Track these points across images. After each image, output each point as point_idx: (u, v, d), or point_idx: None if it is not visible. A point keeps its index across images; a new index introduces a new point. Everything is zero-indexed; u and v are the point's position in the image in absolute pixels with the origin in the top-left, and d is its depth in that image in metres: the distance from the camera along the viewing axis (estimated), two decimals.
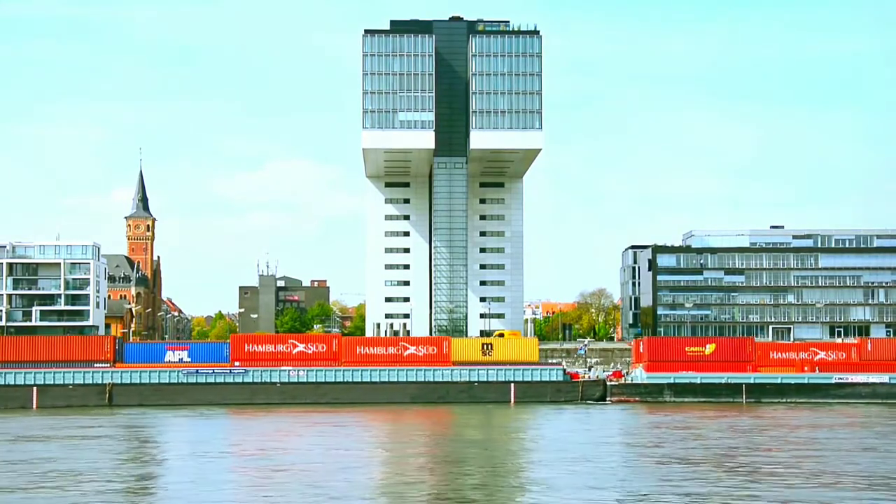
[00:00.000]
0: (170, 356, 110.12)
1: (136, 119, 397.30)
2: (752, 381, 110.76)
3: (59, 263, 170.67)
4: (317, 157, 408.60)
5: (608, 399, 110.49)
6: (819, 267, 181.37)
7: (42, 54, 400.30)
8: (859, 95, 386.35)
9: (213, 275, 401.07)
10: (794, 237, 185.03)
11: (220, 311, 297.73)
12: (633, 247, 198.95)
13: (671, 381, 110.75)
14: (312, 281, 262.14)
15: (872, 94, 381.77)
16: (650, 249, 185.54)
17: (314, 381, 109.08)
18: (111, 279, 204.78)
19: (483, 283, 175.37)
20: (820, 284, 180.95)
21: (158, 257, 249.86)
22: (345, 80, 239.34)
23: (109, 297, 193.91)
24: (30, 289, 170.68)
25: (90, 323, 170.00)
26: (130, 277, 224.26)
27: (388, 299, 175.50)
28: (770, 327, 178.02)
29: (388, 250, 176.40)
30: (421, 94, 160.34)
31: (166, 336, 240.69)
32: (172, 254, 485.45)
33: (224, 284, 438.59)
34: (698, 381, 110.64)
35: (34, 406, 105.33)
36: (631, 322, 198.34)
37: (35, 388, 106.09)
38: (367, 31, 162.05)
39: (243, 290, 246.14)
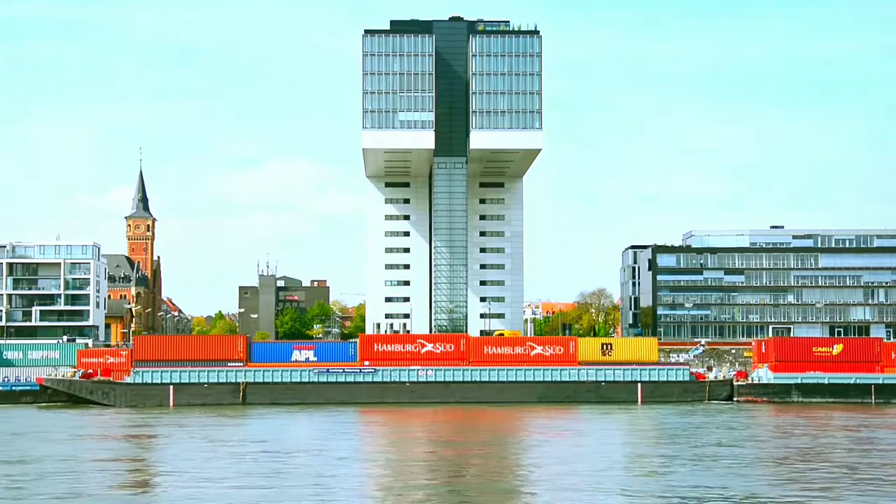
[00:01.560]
0: (296, 355, 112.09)
1: (136, 119, 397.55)
2: (880, 381, 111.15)
3: (59, 263, 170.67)
4: (317, 157, 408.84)
5: (735, 399, 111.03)
6: (819, 267, 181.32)
7: (42, 55, 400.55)
8: (859, 95, 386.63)
9: (213, 275, 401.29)
10: (794, 237, 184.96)
11: (220, 311, 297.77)
12: (633, 247, 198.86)
13: (798, 381, 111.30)
14: (312, 281, 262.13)
15: (872, 95, 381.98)
16: (650, 249, 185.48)
17: (442, 380, 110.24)
18: (111, 279, 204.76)
19: (483, 283, 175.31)
20: (820, 284, 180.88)
21: (158, 257, 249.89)
22: (345, 80, 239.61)
23: (109, 297, 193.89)
24: (30, 289, 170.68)
25: (90, 323, 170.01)
26: (130, 277, 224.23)
27: (388, 299, 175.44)
28: (770, 327, 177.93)
29: (388, 250, 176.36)
30: (421, 94, 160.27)
31: None
32: (172, 254, 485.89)
33: (224, 284, 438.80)
34: (826, 381, 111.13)
35: (171, 404, 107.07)
36: (631, 322, 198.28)
37: (172, 387, 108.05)
38: (367, 31, 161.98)
39: (243, 290, 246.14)
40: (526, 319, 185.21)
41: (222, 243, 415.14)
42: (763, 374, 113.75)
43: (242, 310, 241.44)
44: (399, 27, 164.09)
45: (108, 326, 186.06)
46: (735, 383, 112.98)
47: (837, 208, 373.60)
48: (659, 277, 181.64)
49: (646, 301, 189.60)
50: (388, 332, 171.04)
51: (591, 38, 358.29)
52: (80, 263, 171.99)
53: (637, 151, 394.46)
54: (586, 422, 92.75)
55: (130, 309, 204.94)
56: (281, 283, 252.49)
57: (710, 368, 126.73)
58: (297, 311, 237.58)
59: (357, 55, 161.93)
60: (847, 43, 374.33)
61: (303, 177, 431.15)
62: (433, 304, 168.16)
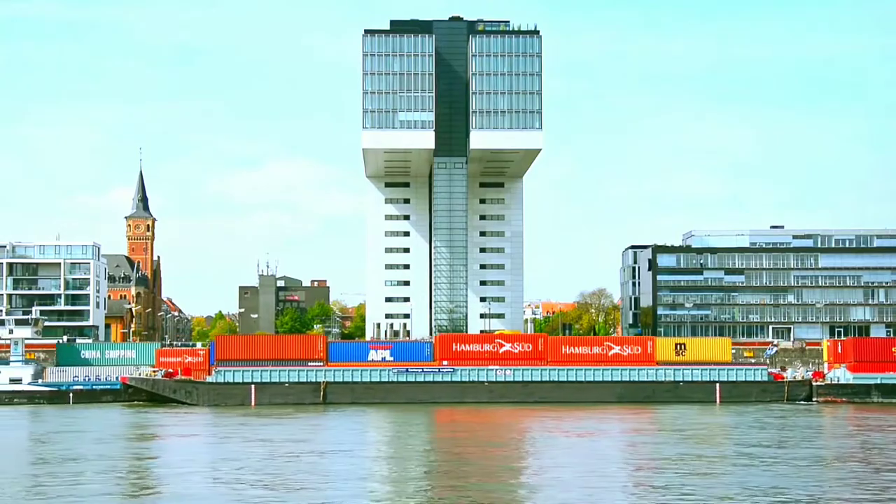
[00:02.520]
0: (373, 355, 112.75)
1: (136, 119, 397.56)
2: None
3: (59, 263, 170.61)
4: (317, 157, 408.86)
5: (814, 399, 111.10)
6: (819, 267, 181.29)
7: (42, 55, 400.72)
8: (859, 95, 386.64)
9: (213, 275, 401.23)
10: (794, 237, 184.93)
11: (220, 311, 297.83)
12: (633, 247, 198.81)
13: (878, 381, 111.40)
14: (312, 281, 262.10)
15: (872, 95, 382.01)
16: (650, 249, 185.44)
17: (521, 380, 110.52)
18: (111, 279, 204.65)
19: (483, 283, 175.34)
20: (820, 284, 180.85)
21: (158, 257, 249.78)
22: (345, 80, 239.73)
23: (109, 297, 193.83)
24: (30, 289, 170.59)
25: (90, 323, 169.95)
26: (130, 277, 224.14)
27: (388, 299, 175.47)
28: (770, 327, 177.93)
29: (388, 250, 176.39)
30: (421, 94, 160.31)
31: (166, 336, 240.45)
32: (172, 254, 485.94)
33: (224, 284, 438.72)
34: None
35: (252, 403, 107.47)
36: (631, 322, 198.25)
37: (253, 386, 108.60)
38: (367, 31, 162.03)
39: (243, 290, 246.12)
40: (526, 319, 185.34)
41: (222, 243, 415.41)
42: (841, 375, 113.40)
43: (242, 310, 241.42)
44: (399, 27, 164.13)
45: (108, 326, 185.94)
46: (813, 384, 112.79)
47: (837, 208, 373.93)
48: (659, 277, 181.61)
49: (646, 301, 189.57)
50: (388, 332, 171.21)
51: (591, 38, 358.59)
52: (80, 263, 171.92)
53: (637, 151, 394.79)
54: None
55: (130, 309, 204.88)
56: (281, 283, 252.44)
57: (783, 368, 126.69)
58: (297, 311, 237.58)
59: (357, 55, 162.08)
60: (847, 43, 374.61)
61: (303, 177, 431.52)
62: (433, 304, 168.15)
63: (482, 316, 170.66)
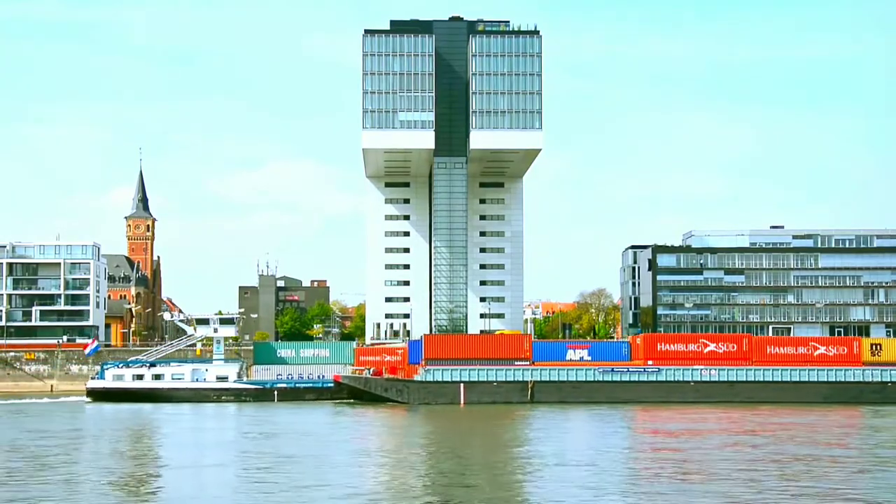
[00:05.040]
0: (570, 355, 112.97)
1: (136, 119, 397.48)
2: None
3: (59, 263, 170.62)
4: (317, 157, 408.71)
5: None
6: (819, 267, 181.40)
7: (42, 55, 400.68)
8: (859, 95, 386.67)
9: (213, 275, 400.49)
10: (794, 237, 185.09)
11: (220, 311, 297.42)
12: (633, 247, 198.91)
13: None
14: (312, 281, 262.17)
15: (872, 95, 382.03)
16: (650, 249, 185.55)
17: (726, 379, 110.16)
18: (111, 279, 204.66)
19: (483, 283, 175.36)
20: (820, 284, 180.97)
21: (158, 257, 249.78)
22: (345, 81, 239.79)
23: (109, 297, 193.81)
24: (30, 289, 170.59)
25: (90, 323, 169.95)
26: (130, 277, 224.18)
27: (388, 299, 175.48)
28: (770, 327, 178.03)
29: (388, 250, 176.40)
30: (421, 94, 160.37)
31: (166, 336, 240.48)
32: (172, 254, 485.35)
33: (224, 284, 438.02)
34: None
35: (462, 402, 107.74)
36: (631, 322, 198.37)
37: (462, 385, 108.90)
38: (367, 31, 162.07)
39: (243, 290, 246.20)
40: (526, 319, 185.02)
41: (222, 243, 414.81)
42: None
43: (242, 310, 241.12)
44: (399, 27, 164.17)
45: (108, 326, 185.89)
46: None
47: (837, 208, 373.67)
48: (659, 277, 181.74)
49: (646, 301, 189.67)
50: (389, 333, 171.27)
51: (591, 38, 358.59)
52: (80, 263, 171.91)
53: (637, 151, 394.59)
54: None
55: (130, 309, 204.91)
56: (281, 283, 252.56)
57: None
58: (297, 311, 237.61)
59: (357, 55, 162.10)
60: (847, 43, 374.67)
61: (303, 177, 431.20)
62: (433, 304, 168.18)
63: (482, 316, 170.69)
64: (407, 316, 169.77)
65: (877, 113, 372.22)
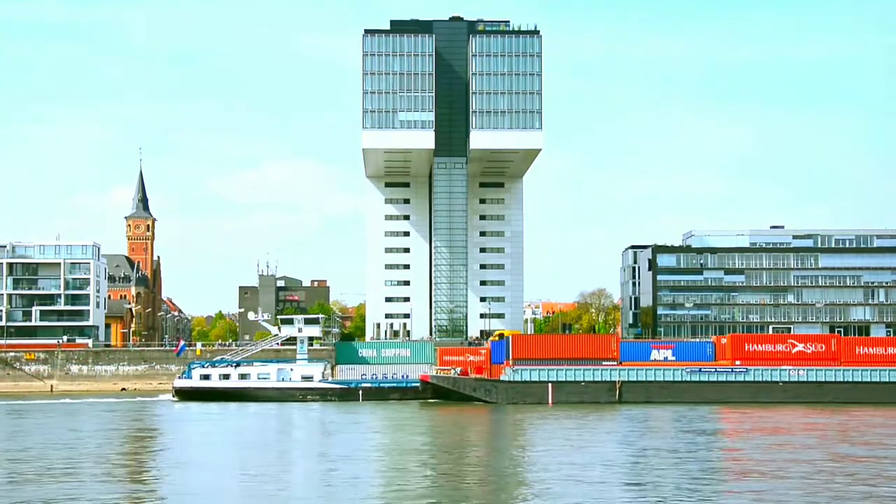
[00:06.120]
0: (655, 354, 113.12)
1: (136, 119, 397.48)
2: None
3: (59, 263, 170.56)
4: (317, 157, 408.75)
5: None
6: (819, 267, 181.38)
7: (42, 55, 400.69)
8: (859, 95, 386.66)
9: (213, 275, 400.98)
10: (794, 237, 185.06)
11: (220, 311, 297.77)
12: (633, 247, 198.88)
13: None
14: (312, 281, 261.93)
15: (872, 95, 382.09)
16: (650, 249, 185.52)
17: (815, 380, 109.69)
18: (111, 279, 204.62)
19: (483, 283, 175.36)
20: (820, 284, 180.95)
21: (158, 257, 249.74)
22: (345, 80, 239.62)
23: (109, 297, 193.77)
24: (30, 289, 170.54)
25: (90, 323, 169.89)
26: (130, 277, 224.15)
27: (388, 299, 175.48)
28: (770, 327, 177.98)
29: (388, 250, 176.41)
30: (421, 94, 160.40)
31: (166, 336, 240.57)
32: (172, 254, 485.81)
33: (224, 284, 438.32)
34: None
35: (549, 402, 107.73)
36: (631, 322, 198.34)
37: (550, 385, 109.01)
38: (367, 31, 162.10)
39: (243, 290, 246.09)
40: (526, 319, 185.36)
41: (222, 243, 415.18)
42: None
43: (242, 310, 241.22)
44: (399, 27, 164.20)
45: (108, 326, 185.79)
46: None
47: (837, 208, 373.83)
48: (659, 277, 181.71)
49: (646, 301, 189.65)
50: (389, 333, 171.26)
51: (591, 38, 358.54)
52: (80, 263, 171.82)
53: (637, 151, 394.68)
54: None
55: (130, 309, 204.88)
56: (281, 283, 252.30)
57: None
58: (297, 311, 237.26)
59: (357, 55, 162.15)
60: (847, 43, 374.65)
61: (303, 177, 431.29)
62: (433, 304, 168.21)
63: (482, 316, 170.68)
64: (407, 316, 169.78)
65: (877, 113, 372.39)
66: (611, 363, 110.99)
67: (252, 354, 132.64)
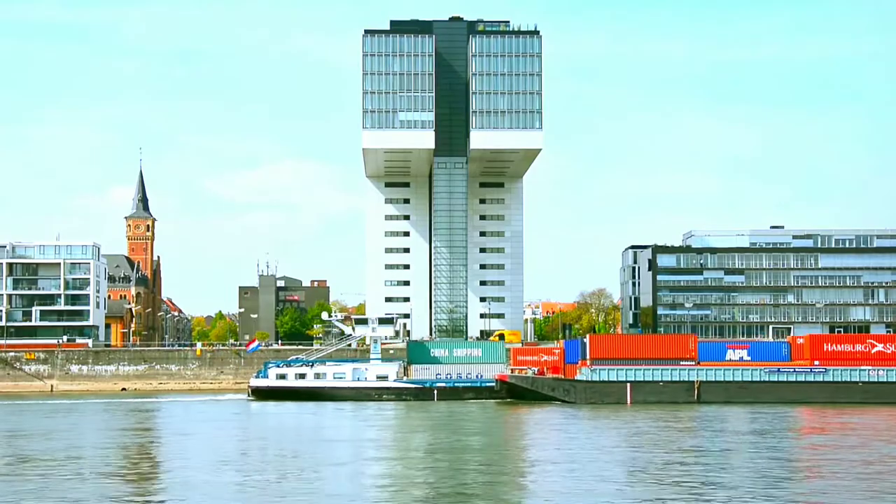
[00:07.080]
0: (730, 355, 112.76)
1: (136, 119, 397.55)
2: None
3: (59, 263, 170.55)
4: (317, 157, 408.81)
5: None
6: (819, 267, 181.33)
7: (42, 55, 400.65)
8: (859, 96, 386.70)
9: (213, 275, 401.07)
10: (794, 237, 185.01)
11: (220, 311, 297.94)
12: (633, 247, 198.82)
13: None
14: (312, 281, 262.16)
15: (872, 95, 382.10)
16: (650, 249, 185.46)
17: (895, 381, 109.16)
18: (111, 279, 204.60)
19: (483, 283, 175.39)
20: (820, 284, 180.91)
21: (158, 257, 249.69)
22: (345, 81, 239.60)
23: (109, 297, 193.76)
24: (30, 289, 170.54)
25: (90, 323, 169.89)
26: (130, 277, 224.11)
27: (388, 299, 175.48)
28: (770, 327, 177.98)
29: (388, 250, 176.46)
30: (421, 94, 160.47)
31: (166, 336, 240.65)
32: (172, 254, 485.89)
33: (224, 284, 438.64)
34: None
35: (628, 402, 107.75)
36: (631, 322, 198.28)
37: (629, 385, 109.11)
38: (367, 31, 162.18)
39: (243, 290, 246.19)
40: (526, 319, 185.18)
41: (222, 243, 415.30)
42: None
43: (242, 310, 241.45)
44: (399, 27, 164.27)
45: (108, 326, 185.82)
46: None
47: (837, 208, 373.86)
48: (659, 277, 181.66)
49: (646, 301, 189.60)
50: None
51: (591, 38, 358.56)
52: (80, 263, 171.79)
53: (637, 151, 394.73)
54: None
55: (130, 309, 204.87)
56: (281, 283, 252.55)
57: None
58: (297, 311, 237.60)
59: (357, 55, 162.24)
60: (847, 43, 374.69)
61: (302, 177, 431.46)
62: (433, 304, 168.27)
63: (482, 316, 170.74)
64: (407, 316, 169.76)
65: (877, 113, 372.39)
66: (689, 363, 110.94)
67: (326, 354, 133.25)
